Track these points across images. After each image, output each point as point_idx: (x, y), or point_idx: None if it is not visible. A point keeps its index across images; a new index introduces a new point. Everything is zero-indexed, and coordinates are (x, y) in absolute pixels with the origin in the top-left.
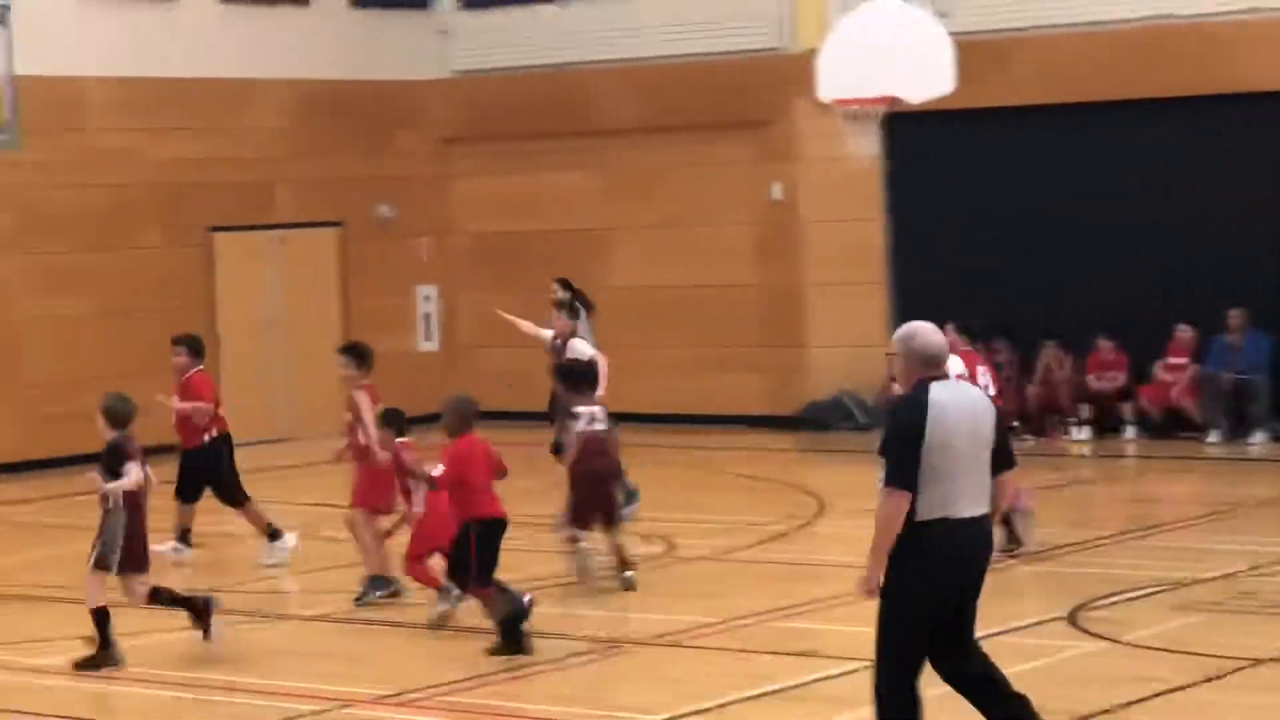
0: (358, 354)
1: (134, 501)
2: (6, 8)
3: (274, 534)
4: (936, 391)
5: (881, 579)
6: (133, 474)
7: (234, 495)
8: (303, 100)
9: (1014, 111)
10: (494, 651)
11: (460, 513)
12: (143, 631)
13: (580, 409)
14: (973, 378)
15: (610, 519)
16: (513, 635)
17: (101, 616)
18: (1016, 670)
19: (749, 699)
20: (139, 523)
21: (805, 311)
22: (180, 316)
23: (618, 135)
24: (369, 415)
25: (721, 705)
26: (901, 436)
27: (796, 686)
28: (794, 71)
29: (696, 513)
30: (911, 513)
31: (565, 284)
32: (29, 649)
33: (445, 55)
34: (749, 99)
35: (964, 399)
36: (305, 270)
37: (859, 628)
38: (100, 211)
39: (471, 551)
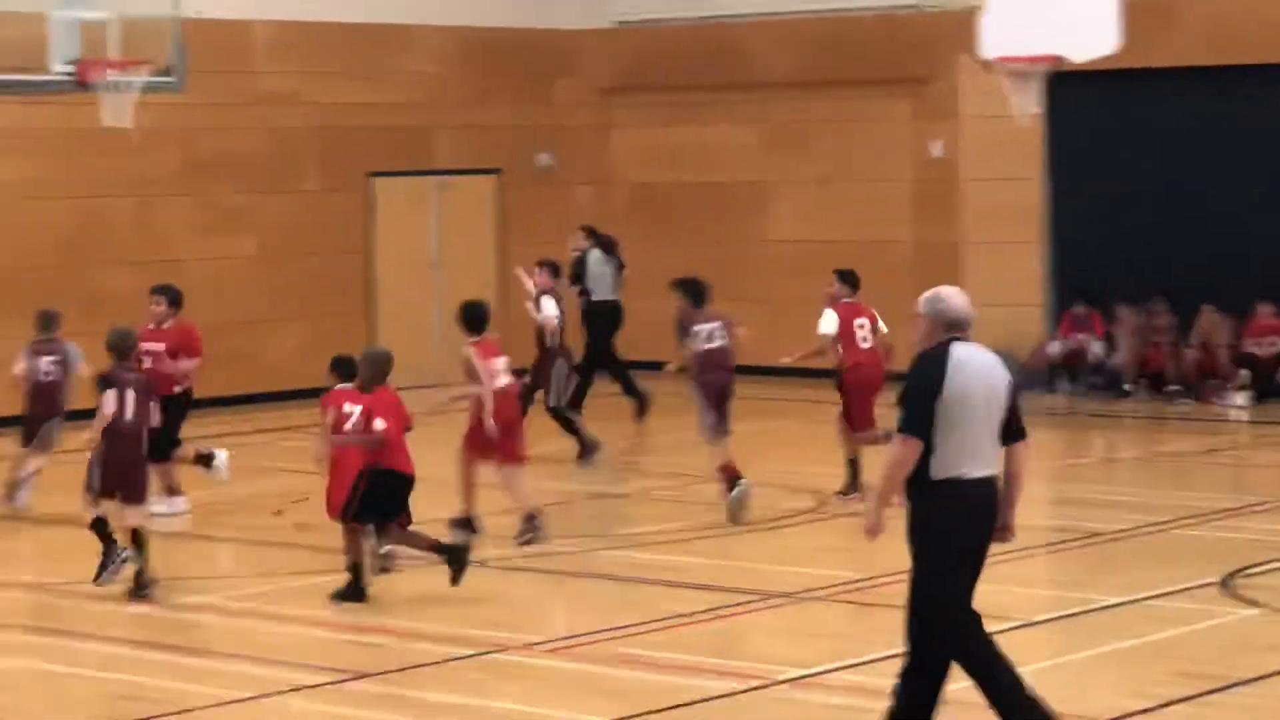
0: (462, 316)
1: (112, 429)
2: None
3: (207, 458)
4: (958, 350)
5: (882, 521)
6: (103, 406)
7: (164, 450)
8: (463, 47)
9: (1178, 72)
10: (334, 595)
11: (369, 461)
12: (302, 573)
13: (699, 327)
14: (850, 328)
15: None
16: (355, 584)
17: (99, 525)
18: (1168, 635)
19: (894, 656)
20: (115, 450)
21: (962, 269)
22: (338, 260)
23: (776, 89)
24: (481, 372)
25: (872, 661)
26: (919, 388)
27: None
28: (956, 28)
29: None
30: (926, 470)
31: (590, 232)
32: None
33: (605, 5)
34: (910, 55)
35: (983, 361)
36: (463, 217)
37: (1006, 585)
38: (262, 154)
39: (359, 491)
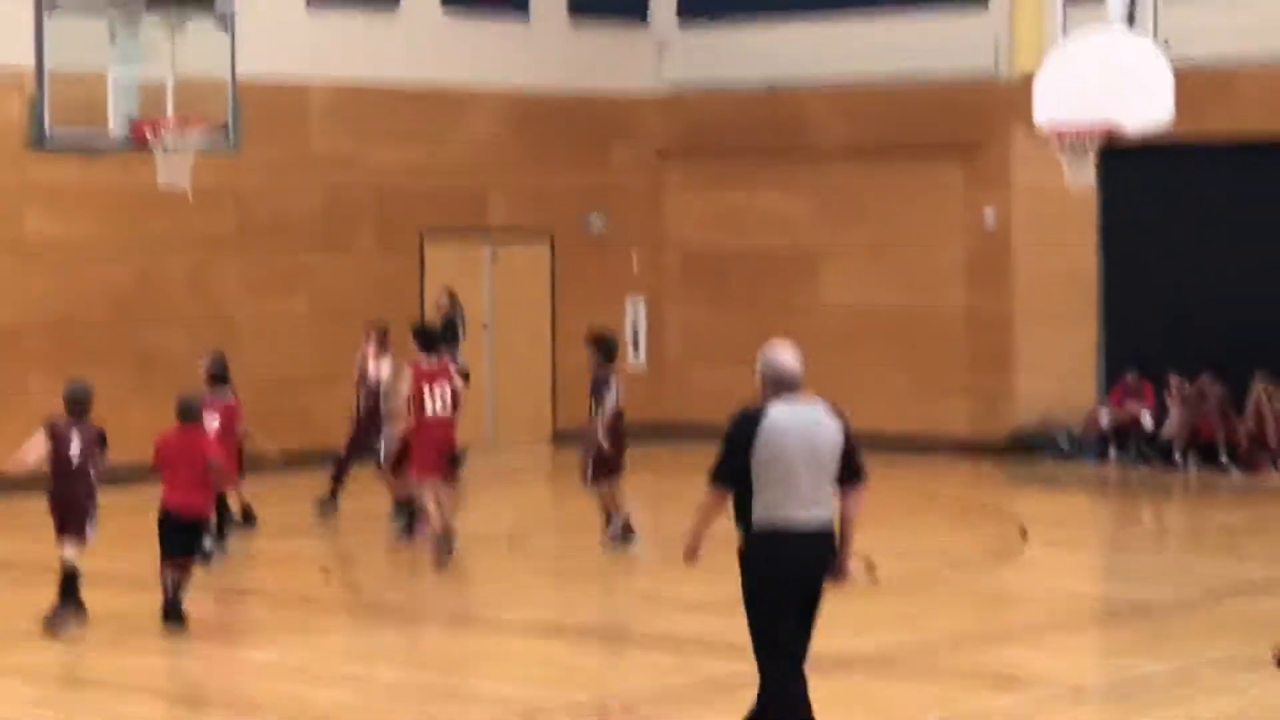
0: (414, 335)
1: (55, 471)
2: (231, 11)
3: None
4: (776, 410)
5: (697, 547)
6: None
7: None
8: (519, 109)
9: (1232, 144)
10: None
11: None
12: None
13: (613, 380)
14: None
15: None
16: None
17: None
18: (1218, 707)
19: None
20: (56, 491)
21: (1014, 338)
22: (391, 320)
23: (830, 155)
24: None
25: None
26: (729, 442)
27: (990, 711)
28: (1010, 96)
29: (898, 535)
30: (749, 520)
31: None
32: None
33: (662, 69)
34: (964, 123)
35: (803, 417)
36: (515, 278)
37: (1057, 654)
38: (316, 214)
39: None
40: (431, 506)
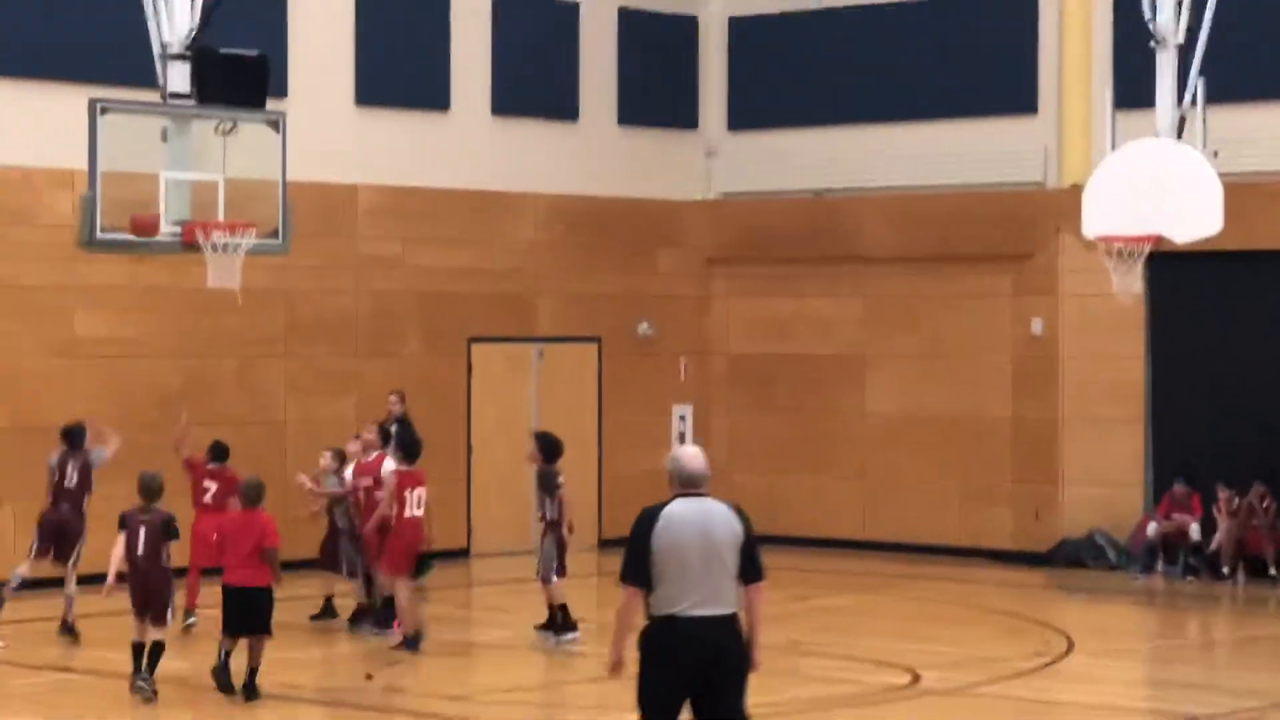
0: (398, 443)
1: (128, 558)
2: (282, 114)
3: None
4: (674, 506)
5: (620, 659)
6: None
7: None
8: (567, 214)
9: None
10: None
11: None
12: None
13: (560, 479)
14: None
15: None
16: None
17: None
18: None
19: None
20: (134, 582)
21: (1061, 447)
22: (437, 423)
23: (878, 262)
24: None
25: None
26: (631, 540)
27: None
28: (1058, 206)
29: (942, 645)
30: (648, 609)
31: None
32: None
33: (710, 176)
34: (1011, 232)
35: (699, 514)
36: (562, 383)
37: None
38: (363, 317)
39: None
40: (404, 602)
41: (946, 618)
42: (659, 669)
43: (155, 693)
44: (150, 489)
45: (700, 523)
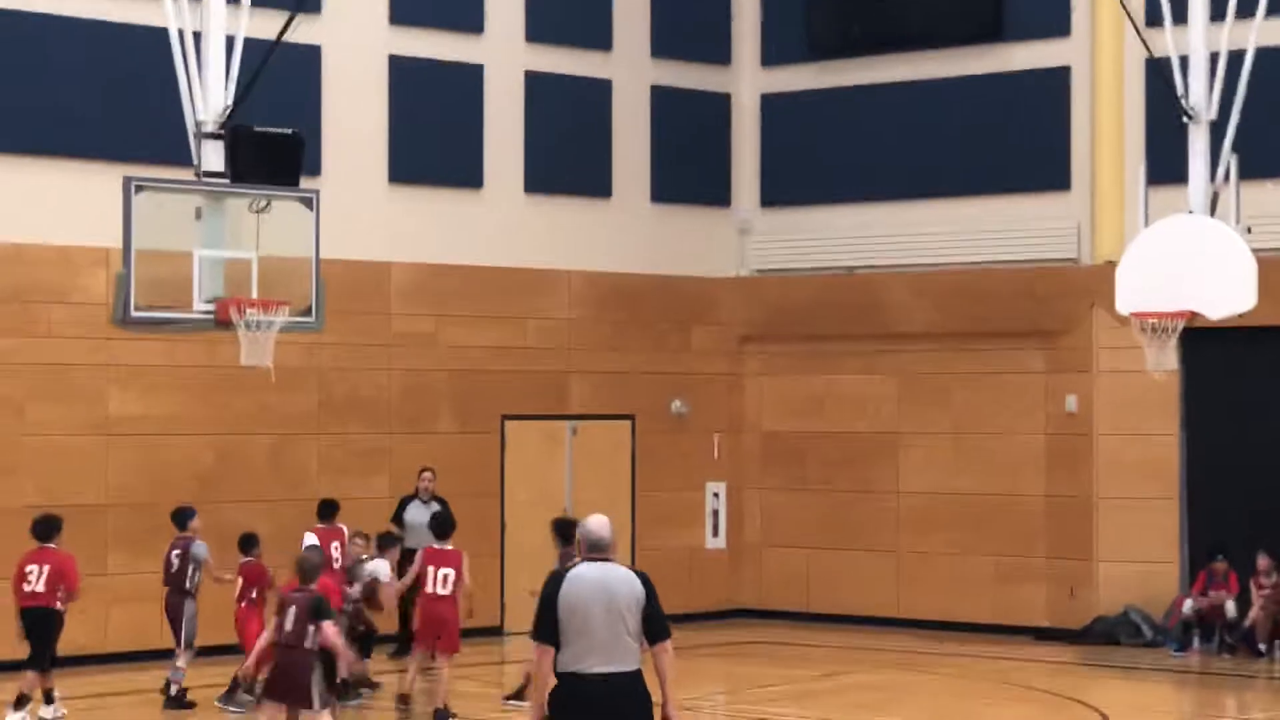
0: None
1: (276, 640)
2: (315, 192)
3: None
4: (580, 569)
5: (541, 715)
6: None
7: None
8: (600, 292)
9: None
10: None
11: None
12: None
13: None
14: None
15: None
16: None
17: None
18: None
19: None
20: (275, 660)
21: (1095, 524)
22: (471, 502)
23: (911, 340)
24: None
25: None
26: (542, 601)
27: None
28: (1091, 282)
29: None
30: (555, 666)
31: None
32: None
33: (744, 254)
34: (1044, 309)
35: (602, 577)
36: (596, 461)
37: None
38: (396, 395)
39: None
40: (411, 671)
41: (982, 695)
42: None
43: None
44: (305, 572)
45: (602, 584)
